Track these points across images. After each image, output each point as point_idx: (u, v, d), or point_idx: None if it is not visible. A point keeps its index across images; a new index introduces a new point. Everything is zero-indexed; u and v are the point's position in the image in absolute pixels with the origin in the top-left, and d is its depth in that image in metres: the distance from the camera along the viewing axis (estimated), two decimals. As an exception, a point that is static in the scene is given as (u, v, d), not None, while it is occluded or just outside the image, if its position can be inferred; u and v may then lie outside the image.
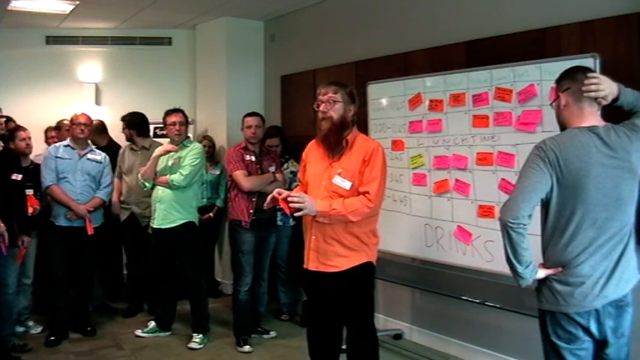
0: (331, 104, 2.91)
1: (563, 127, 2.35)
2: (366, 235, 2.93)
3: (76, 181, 4.37)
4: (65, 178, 4.35)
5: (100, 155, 4.56)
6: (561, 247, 2.21)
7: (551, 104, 2.43)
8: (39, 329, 4.54)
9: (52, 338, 4.29)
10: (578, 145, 2.19)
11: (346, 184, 2.88)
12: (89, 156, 4.48)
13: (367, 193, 2.83)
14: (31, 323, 4.56)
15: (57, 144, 4.51)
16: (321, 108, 2.94)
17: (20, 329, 4.43)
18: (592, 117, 2.26)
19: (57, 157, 4.36)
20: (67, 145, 4.45)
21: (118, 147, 5.19)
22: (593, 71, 2.37)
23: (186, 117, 4.49)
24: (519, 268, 2.20)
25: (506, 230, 2.17)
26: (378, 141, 3.11)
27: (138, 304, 5.07)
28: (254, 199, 4.22)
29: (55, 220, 4.35)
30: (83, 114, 4.55)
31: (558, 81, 2.36)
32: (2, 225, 3.65)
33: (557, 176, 2.17)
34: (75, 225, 4.34)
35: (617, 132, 2.26)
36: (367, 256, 2.94)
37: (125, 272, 5.37)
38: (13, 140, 4.30)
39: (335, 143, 2.94)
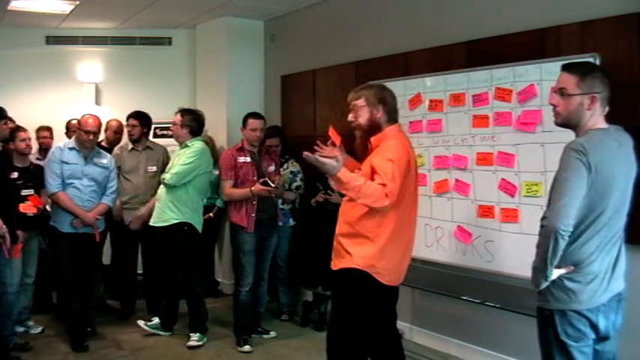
0: (356, 111, 2.87)
1: (571, 123, 2.29)
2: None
3: (84, 187, 4.17)
4: (72, 183, 4.14)
5: (105, 158, 4.35)
6: (577, 246, 2.21)
7: (563, 95, 2.27)
8: (39, 329, 4.54)
9: (86, 344, 4.20)
10: (606, 148, 2.19)
11: None
12: (95, 160, 4.26)
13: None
14: (31, 323, 4.56)
15: (61, 145, 4.27)
16: (349, 117, 2.90)
17: (20, 329, 4.42)
18: (603, 119, 2.28)
19: (62, 162, 4.14)
20: (72, 148, 4.22)
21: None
22: (602, 70, 2.35)
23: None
24: (548, 271, 2.19)
25: (556, 237, 2.12)
26: (398, 142, 2.83)
27: (131, 305, 5.05)
28: (254, 202, 4.21)
29: (60, 226, 4.18)
30: (93, 117, 4.27)
31: (583, 76, 2.23)
32: (4, 227, 3.64)
33: (592, 180, 2.15)
34: (80, 232, 4.18)
35: (621, 133, 2.31)
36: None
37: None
38: (13, 140, 4.29)
39: (363, 147, 2.88)
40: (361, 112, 2.84)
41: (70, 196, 4.12)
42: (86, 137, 4.19)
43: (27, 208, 4.36)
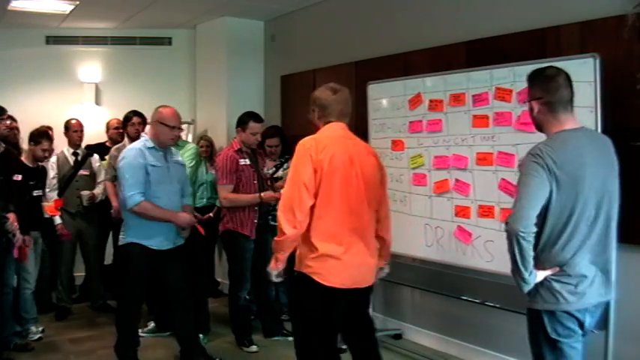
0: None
1: (537, 127, 2.42)
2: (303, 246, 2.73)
3: (174, 191, 3.65)
4: (161, 189, 3.58)
5: (178, 154, 3.91)
6: (559, 248, 2.25)
7: (524, 102, 2.47)
8: (39, 329, 4.54)
9: None
10: (570, 149, 2.24)
11: None
12: (175, 158, 3.78)
13: None
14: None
15: (139, 146, 3.63)
16: None
17: (18, 329, 4.42)
18: (569, 121, 2.31)
19: (148, 165, 3.53)
20: (152, 147, 3.62)
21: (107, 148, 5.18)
22: (566, 74, 2.36)
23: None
24: (525, 275, 2.23)
25: (517, 239, 2.17)
26: (308, 137, 2.78)
27: None
28: (256, 208, 4.18)
29: (147, 242, 3.59)
30: (173, 109, 3.69)
31: (530, 83, 2.38)
32: (15, 223, 3.68)
33: (556, 181, 2.20)
34: (173, 246, 3.69)
35: (595, 133, 2.40)
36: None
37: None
38: (36, 144, 4.27)
39: None
40: (310, 118, 2.90)
41: (155, 203, 3.54)
42: (172, 135, 3.62)
43: (51, 210, 4.41)
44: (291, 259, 2.81)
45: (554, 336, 2.27)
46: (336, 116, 2.80)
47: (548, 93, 2.29)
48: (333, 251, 2.64)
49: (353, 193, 2.69)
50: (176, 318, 3.82)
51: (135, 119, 4.87)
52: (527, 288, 2.26)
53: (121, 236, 3.70)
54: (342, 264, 2.66)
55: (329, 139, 2.71)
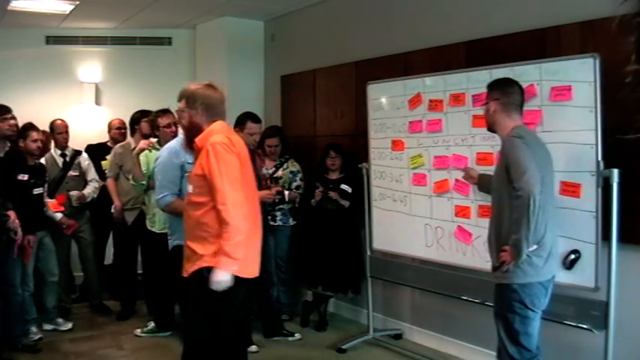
0: (179, 113, 2.84)
1: (489, 124, 2.89)
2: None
3: None
4: None
5: None
6: (538, 226, 2.57)
7: (483, 105, 2.96)
8: (69, 325, 4.55)
9: None
10: (534, 138, 2.74)
11: (189, 188, 2.76)
12: None
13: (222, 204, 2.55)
14: (60, 320, 4.57)
15: (173, 144, 3.53)
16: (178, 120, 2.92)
17: (49, 327, 4.46)
18: (519, 121, 2.80)
19: (187, 163, 3.34)
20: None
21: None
22: (519, 85, 2.88)
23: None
24: (531, 235, 2.52)
25: (534, 200, 2.47)
26: (220, 135, 2.68)
27: (131, 305, 5.05)
28: None
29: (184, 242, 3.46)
30: None
31: (490, 89, 2.88)
32: (17, 221, 3.67)
33: (535, 162, 2.57)
34: None
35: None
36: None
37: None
38: (25, 139, 4.20)
39: (191, 149, 2.85)
40: (183, 115, 2.80)
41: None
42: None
43: (55, 206, 4.38)
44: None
45: (531, 307, 2.60)
46: (222, 115, 2.81)
47: (504, 95, 2.79)
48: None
49: (252, 186, 2.84)
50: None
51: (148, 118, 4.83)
52: (525, 254, 2.54)
53: (168, 240, 3.57)
54: (254, 255, 2.73)
55: (234, 136, 2.78)
